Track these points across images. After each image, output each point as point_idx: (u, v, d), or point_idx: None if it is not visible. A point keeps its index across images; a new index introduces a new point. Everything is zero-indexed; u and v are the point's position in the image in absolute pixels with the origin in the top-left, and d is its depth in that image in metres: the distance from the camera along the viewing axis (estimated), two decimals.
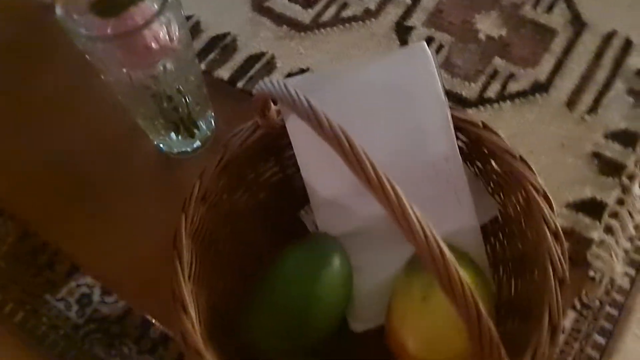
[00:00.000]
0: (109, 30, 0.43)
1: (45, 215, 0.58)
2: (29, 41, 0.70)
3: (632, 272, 0.53)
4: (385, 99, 0.47)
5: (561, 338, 0.50)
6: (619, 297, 0.52)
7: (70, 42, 0.55)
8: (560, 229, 0.43)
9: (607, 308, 0.52)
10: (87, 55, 0.46)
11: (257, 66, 0.63)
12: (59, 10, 0.43)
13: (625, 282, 0.52)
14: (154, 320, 0.53)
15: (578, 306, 0.52)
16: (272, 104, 0.47)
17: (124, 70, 0.45)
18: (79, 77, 0.64)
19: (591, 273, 0.53)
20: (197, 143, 0.59)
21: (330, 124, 0.32)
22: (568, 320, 0.51)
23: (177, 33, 0.46)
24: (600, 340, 0.51)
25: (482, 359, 0.31)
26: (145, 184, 0.59)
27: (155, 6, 0.43)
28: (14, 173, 0.61)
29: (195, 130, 0.57)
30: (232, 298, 0.47)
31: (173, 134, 0.57)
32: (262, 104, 0.46)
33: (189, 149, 0.59)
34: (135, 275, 0.54)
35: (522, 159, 0.46)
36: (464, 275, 0.30)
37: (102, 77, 0.49)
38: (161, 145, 0.59)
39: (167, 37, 0.45)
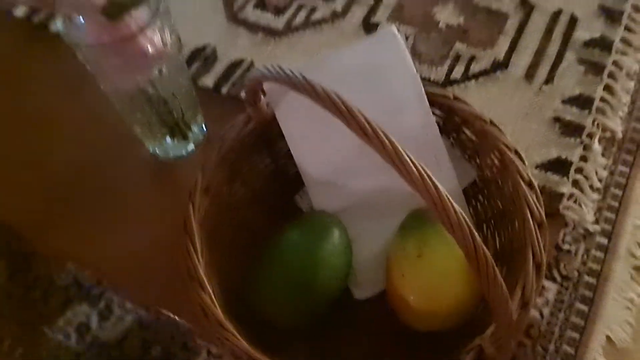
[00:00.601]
0: (106, 39, 0.46)
1: (47, 225, 0.61)
2: (21, 54, 0.73)
3: (605, 241, 0.57)
4: (363, 80, 0.51)
5: (546, 310, 0.53)
6: (595, 266, 0.55)
7: (64, 56, 0.59)
8: (533, 179, 0.47)
9: (586, 277, 0.55)
10: (87, 65, 0.49)
11: (238, 72, 0.68)
12: (60, 25, 0.46)
13: (599, 252, 0.56)
14: (164, 311, 0.55)
15: (558, 279, 0.55)
16: (262, 95, 0.51)
17: (124, 76, 0.49)
18: (73, 94, 0.68)
19: (566, 246, 0.56)
20: (191, 146, 0.62)
21: (325, 91, 0.37)
22: (551, 293, 0.54)
23: (169, 38, 0.50)
24: (583, 307, 0.53)
25: (479, 279, 0.35)
26: (145, 189, 0.62)
27: (149, 14, 0.47)
28: (13, 185, 0.64)
29: (189, 133, 0.60)
30: (239, 278, 0.50)
31: (168, 138, 0.60)
32: (253, 94, 0.50)
33: (183, 152, 0.63)
34: (141, 273, 0.57)
35: (492, 122, 0.51)
36: (457, 206, 0.34)
37: (102, 86, 0.52)
38: (157, 151, 0.63)
39: (161, 42, 0.48)
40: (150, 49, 0.47)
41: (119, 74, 0.49)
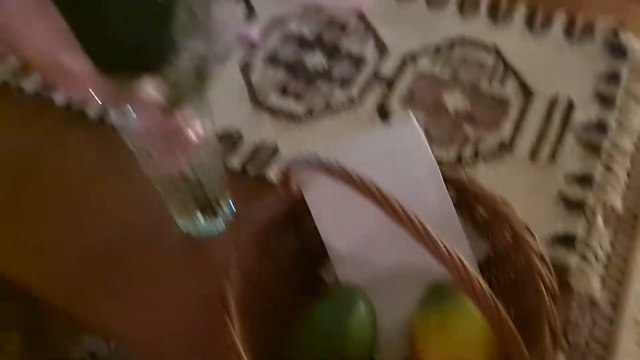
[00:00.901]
0: (157, 129, 0.51)
1: (74, 296, 0.64)
2: (61, 139, 0.78)
3: (610, 311, 0.59)
4: (385, 163, 0.56)
5: None
6: (602, 336, 0.58)
7: (100, 141, 0.64)
8: (544, 253, 0.52)
9: (594, 347, 0.57)
10: (136, 153, 0.54)
11: (263, 154, 0.73)
12: (114, 116, 0.52)
13: (605, 322, 0.59)
14: None
15: (567, 349, 0.57)
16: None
17: (169, 162, 0.54)
18: (108, 175, 0.73)
19: (574, 317, 0.59)
20: (221, 224, 0.66)
21: (360, 178, 0.41)
22: None
23: (209, 127, 0.55)
24: None
25: (504, 347, 0.39)
26: (177, 264, 0.65)
27: (193, 105, 0.52)
28: (44, 257, 0.67)
29: (219, 211, 0.65)
30: (270, 351, 0.53)
31: (201, 217, 0.64)
32: (285, 178, 0.55)
33: (214, 230, 0.67)
34: (167, 345, 0.60)
35: (503, 200, 0.56)
36: (482, 279, 0.38)
37: (145, 169, 0.57)
38: (190, 229, 0.67)
39: (202, 131, 0.54)
40: (194, 137, 0.52)
41: (164, 160, 0.54)
